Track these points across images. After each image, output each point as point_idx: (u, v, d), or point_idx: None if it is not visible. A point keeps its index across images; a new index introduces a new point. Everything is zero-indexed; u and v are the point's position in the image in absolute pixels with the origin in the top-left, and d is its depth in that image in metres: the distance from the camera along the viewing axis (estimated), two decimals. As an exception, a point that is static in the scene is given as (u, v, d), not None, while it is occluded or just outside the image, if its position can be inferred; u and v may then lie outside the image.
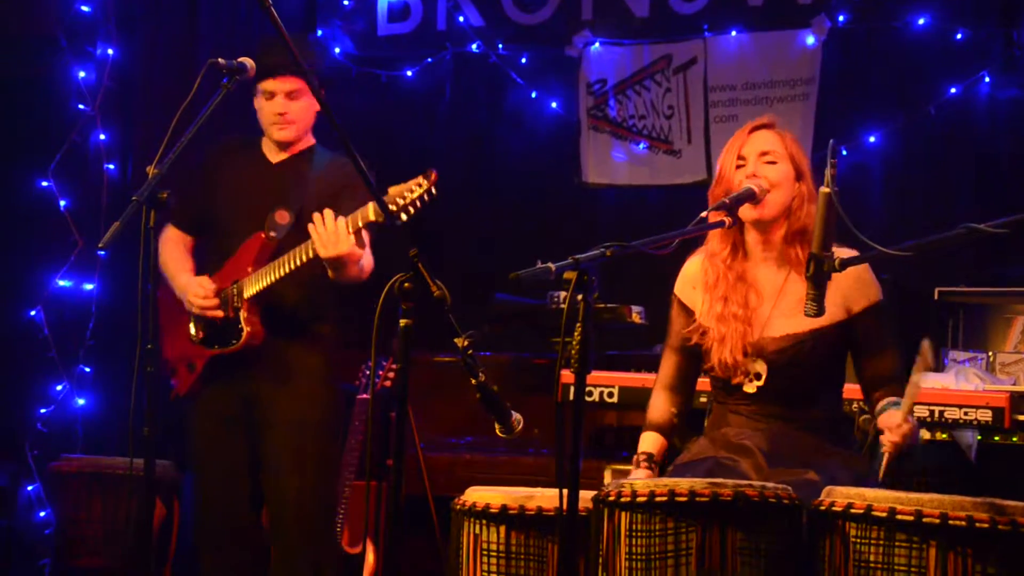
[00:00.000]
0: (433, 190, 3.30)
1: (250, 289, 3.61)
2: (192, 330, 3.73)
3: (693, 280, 3.03)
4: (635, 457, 2.98)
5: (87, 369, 5.36)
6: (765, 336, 2.89)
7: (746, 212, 2.90)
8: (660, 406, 3.05)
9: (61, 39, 5.40)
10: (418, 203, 3.30)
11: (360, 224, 3.41)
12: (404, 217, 3.29)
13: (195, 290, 3.65)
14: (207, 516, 3.76)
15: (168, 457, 4.38)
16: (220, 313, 3.63)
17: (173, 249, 3.82)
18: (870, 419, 2.94)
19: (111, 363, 5.33)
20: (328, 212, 3.42)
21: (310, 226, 3.44)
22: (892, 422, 2.71)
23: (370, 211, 3.38)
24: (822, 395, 2.94)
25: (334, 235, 3.40)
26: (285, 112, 3.74)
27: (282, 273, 3.55)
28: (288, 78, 3.71)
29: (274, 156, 3.82)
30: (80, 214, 5.38)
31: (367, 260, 3.64)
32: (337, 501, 3.90)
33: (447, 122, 5.83)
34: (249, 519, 3.77)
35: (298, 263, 3.52)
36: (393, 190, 3.32)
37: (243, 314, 3.62)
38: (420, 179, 3.31)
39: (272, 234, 3.65)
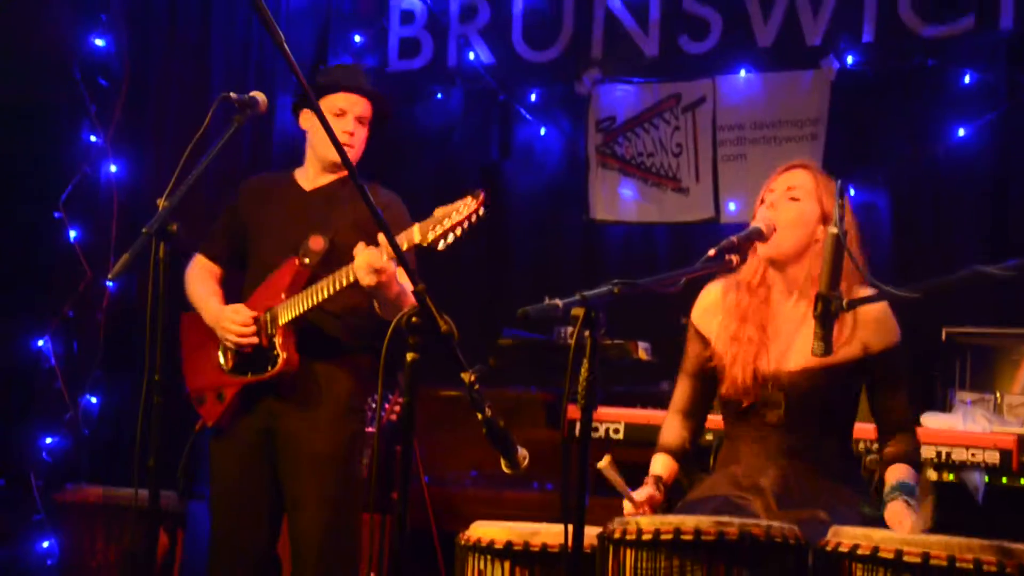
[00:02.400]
0: (481, 211, 3.24)
1: (285, 316, 3.56)
2: (221, 359, 3.69)
3: (711, 308, 3.03)
4: (645, 478, 2.97)
5: (94, 400, 5.36)
6: (783, 369, 2.89)
7: (761, 250, 2.92)
8: (673, 430, 3.04)
9: (75, 71, 5.45)
10: (466, 224, 3.25)
11: (404, 247, 3.29)
12: (451, 239, 3.26)
13: (231, 317, 3.61)
14: (224, 548, 3.69)
15: (176, 487, 4.37)
16: (256, 340, 3.60)
17: (202, 278, 3.77)
18: (876, 460, 2.94)
19: (118, 394, 5.33)
20: (380, 239, 3.33)
21: (355, 252, 3.36)
22: (900, 524, 2.70)
23: (415, 233, 3.31)
24: (836, 431, 2.93)
25: (372, 266, 3.32)
26: (354, 133, 3.67)
27: (319, 299, 3.50)
28: (363, 100, 3.66)
29: (309, 183, 3.76)
30: (90, 245, 5.40)
31: (408, 289, 3.53)
32: (360, 537, 3.83)
33: (456, 157, 5.86)
34: (266, 553, 3.73)
35: (336, 289, 3.46)
36: (439, 211, 3.29)
37: (278, 340, 3.57)
38: (468, 199, 3.25)
39: (306, 260, 3.60)
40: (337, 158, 3.61)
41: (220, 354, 3.69)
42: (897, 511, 2.74)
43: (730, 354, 2.91)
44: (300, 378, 3.62)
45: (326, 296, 3.48)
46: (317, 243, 3.62)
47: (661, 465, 3.00)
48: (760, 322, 2.93)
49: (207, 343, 3.72)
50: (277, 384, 3.62)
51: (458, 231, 3.26)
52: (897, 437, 2.89)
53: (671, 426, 3.05)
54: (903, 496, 2.76)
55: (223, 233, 3.81)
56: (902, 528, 2.68)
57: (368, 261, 3.32)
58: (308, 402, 3.63)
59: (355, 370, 3.71)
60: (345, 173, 3.71)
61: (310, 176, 3.78)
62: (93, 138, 5.47)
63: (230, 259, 3.83)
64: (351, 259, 3.48)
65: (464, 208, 3.25)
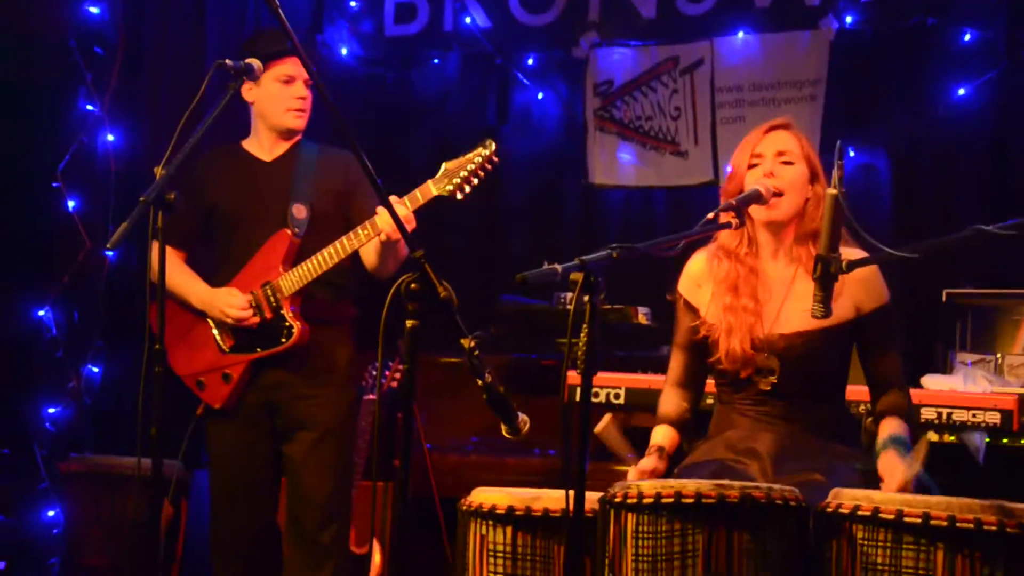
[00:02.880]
0: (495, 159, 3.27)
1: (290, 286, 3.57)
2: (219, 340, 3.68)
3: (698, 278, 3.02)
4: (647, 449, 2.98)
5: (95, 369, 5.36)
6: (775, 332, 2.89)
7: (759, 213, 2.90)
8: (671, 401, 3.04)
9: (70, 39, 5.41)
10: (480, 173, 3.27)
11: (421, 201, 3.33)
12: (467, 189, 3.28)
13: (226, 300, 3.61)
14: (226, 519, 3.73)
15: (178, 456, 4.38)
16: (256, 320, 3.60)
17: (172, 264, 3.67)
18: (876, 444, 2.95)
19: (120, 363, 5.34)
20: (393, 198, 3.34)
21: (379, 211, 3.36)
22: (892, 477, 2.70)
23: (430, 188, 3.31)
24: (831, 394, 2.94)
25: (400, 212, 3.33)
26: (305, 97, 3.66)
27: (330, 265, 3.51)
28: (297, 61, 3.62)
29: (266, 153, 3.74)
30: (88, 215, 5.39)
31: (403, 248, 3.54)
32: (351, 504, 3.89)
33: (453, 123, 5.83)
34: (269, 523, 3.76)
35: (350, 250, 3.49)
36: (450, 165, 3.31)
37: (287, 312, 3.59)
38: (480, 150, 3.28)
39: (296, 230, 3.61)
40: (294, 124, 3.65)
41: (216, 335, 3.68)
42: (889, 462, 2.74)
43: (725, 325, 2.91)
44: (304, 349, 3.63)
45: (338, 260, 3.49)
46: (300, 212, 3.63)
47: (663, 435, 3.00)
48: (752, 290, 2.92)
49: (196, 327, 3.71)
50: (283, 357, 3.62)
51: (474, 180, 3.29)
52: (888, 393, 2.90)
53: (669, 398, 3.05)
54: (894, 447, 2.77)
55: (184, 215, 3.70)
56: (894, 479, 2.69)
57: (387, 220, 3.33)
58: (310, 372, 3.66)
59: (349, 336, 3.74)
60: (296, 140, 3.73)
61: (265, 146, 3.75)
62: (90, 107, 5.44)
63: (191, 242, 3.79)
64: (331, 226, 3.51)
65: (477, 158, 3.27)
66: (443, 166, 3.33)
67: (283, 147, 3.75)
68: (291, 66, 3.62)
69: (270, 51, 3.56)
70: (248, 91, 3.69)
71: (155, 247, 3.73)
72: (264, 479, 3.73)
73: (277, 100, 3.67)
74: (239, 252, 3.68)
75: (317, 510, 3.65)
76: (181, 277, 3.73)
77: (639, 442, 3.06)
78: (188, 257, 3.81)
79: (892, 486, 2.69)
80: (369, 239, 3.46)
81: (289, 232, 3.61)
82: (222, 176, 3.75)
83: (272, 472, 3.74)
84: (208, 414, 3.72)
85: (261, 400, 3.68)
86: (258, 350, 3.64)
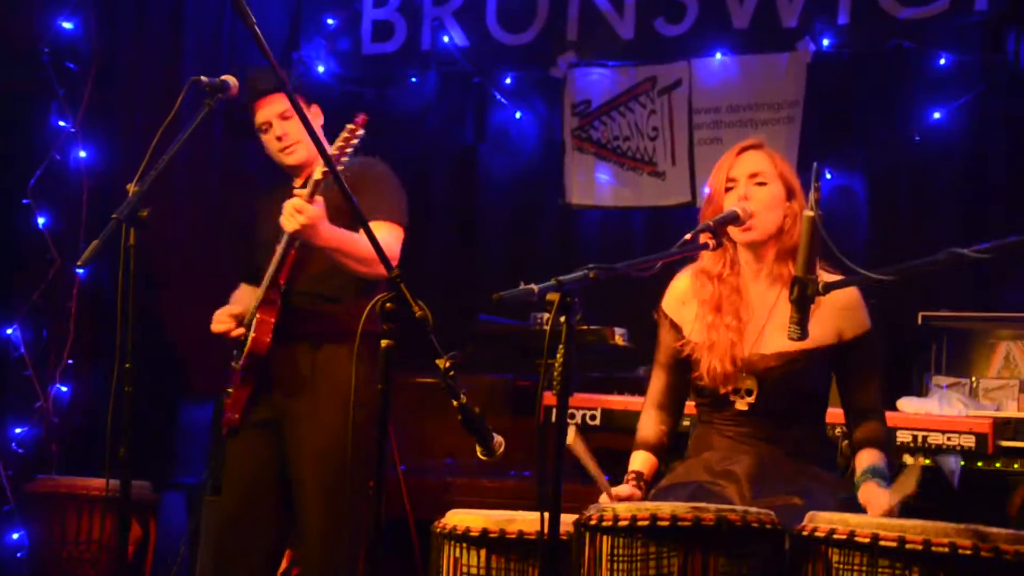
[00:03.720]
0: (360, 132, 3.32)
1: (257, 299, 3.55)
2: (236, 356, 3.65)
3: (682, 296, 3.03)
4: (625, 476, 2.98)
5: (64, 388, 5.33)
6: (756, 352, 2.90)
7: (736, 235, 2.91)
8: (650, 424, 3.04)
9: (42, 53, 5.40)
10: (350, 149, 3.32)
11: (317, 178, 3.33)
12: (344, 159, 3.30)
13: (215, 315, 3.61)
14: (226, 550, 3.55)
15: (149, 477, 4.35)
16: (240, 332, 3.55)
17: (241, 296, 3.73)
18: (851, 445, 2.96)
19: (89, 383, 5.30)
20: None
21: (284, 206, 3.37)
22: (875, 504, 2.71)
23: (316, 171, 3.32)
24: (810, 417, 2.95)
25: (288, 208, 3.32)
26: (284, 134, 3.65)
27: (273, 272, 3.50)
28: (273, 97, 3.62)
29: (297, 182, 3.72)
30: (59, 232, 5.36)
31: (365, 246, 3.19)
32: (360, 537, 3.75)
33: (431, 142, 5.84)
34: (275, 547, 3.64)
35: (279, 257, 3.48)
36: (332, 148, 3.32)
37: (253, 323, 3.53)
38: (349, 126, 3.33)
39: (297, 242, 3.57)
40: (288, 161, 3.71)
41: (236, 352, 3.65)
42: (871, 492, 2.76)
43: (707, 343, 2.92)
44: (301, 367, 3.56)
45: (274, 269, 3.47)
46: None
47: (640, 462, 3.00)
48: (735, 309, 2.93)
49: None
50: (280, 374, 3.57)
51: (348, 150, 3.32)
52: (866, 423, 2.90)
53: (648, 421, 3.05)
54: (874, 479, 2.78)
55: (245, 254, 3.77)
56: (878, 507, 2.70)
57: (290, 203, 3.31)
58: (312, 393, 3.56)
59: (356, 353, 3.62)
60: (312, 168, 3.67)
61: (296, 181, 3.75)
62: (62, 123, 5.42)
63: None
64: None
65: (346, 134, 3.31)
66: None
67: (305, 175, 3.72)
68: (261, 112, 3.64)
69: (244, 100, 3.60)
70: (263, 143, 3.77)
71: (240, 290, 3.73)
72: (267, 509, 3.57)
73: (269, 148, 3.71)
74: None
75: (314, 546, 3.51)
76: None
77: (615, 466, 3.06)
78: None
79: (875, 515, 2.69)
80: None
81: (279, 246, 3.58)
82: (268, 209, 3.68)
83: (276, 504, 3.58)
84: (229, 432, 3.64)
85: (264, 418, 3.59)
86: (232, 364, 3.61)
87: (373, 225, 3.14)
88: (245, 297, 3.73)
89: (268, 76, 3.61)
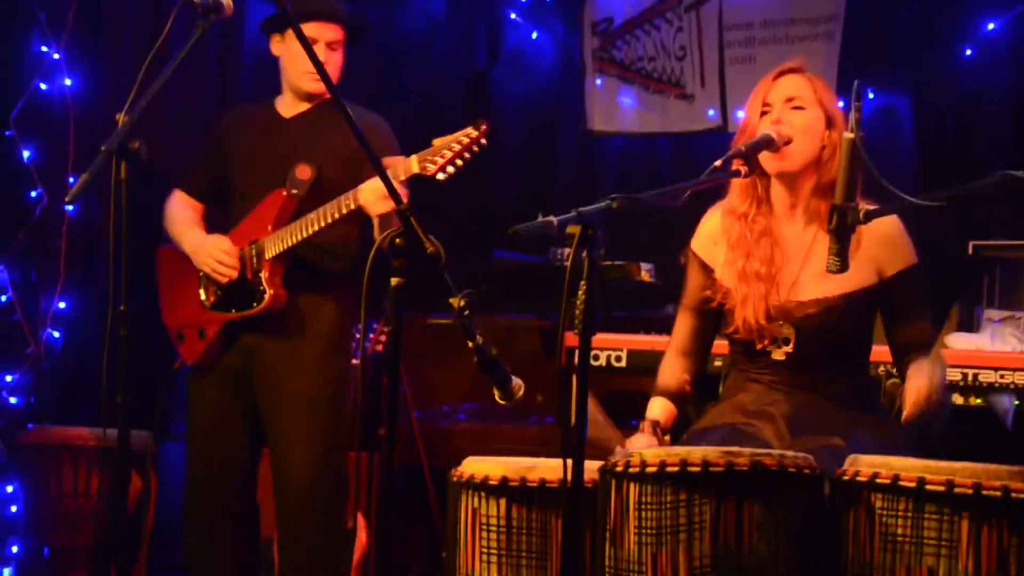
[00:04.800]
0: (483, 141, 3.31)
1: (273, 249, 3.62)
2: (203, 295, 3.74)
3: (713, 235, 3.02)
4: (641, 423, 2.99)
5: (56, 333, 5.37)
6: (792, 299, 2.89)
7: (769, 163, 2.89)
8: (672, 371, 3.05)
9: (19, -28, 5.37)
10: (467, 155, 3.31)
11: (402, 178, 3.36)
12: (451, 170, 3.31)
13: (210, 248, 3.66)
14: (199, 488, 3.78)
15: (150, 426, 4.39)
16: (235, 274, 3.63)
17: (182, 210, 3.84)
18: (898, 384, 2.95)
19: (82, 326, 5.34)
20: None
21: (362, 186, 3.40)
22: (918, 392, 2.70)
23: (412, 164, 3.35)
24: (850, 364, 2.94)
25: (381, 193, 3.33)
26: (325, 62, 3.66)
27: (312, 231, 3.54)
28: (333, 26, 3.70)
29: (288, 111, 3.82)
30: (45, 165, 5.36)
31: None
32: (347, 479, 3.90)
33: (441, 65, 5.81)
34: (245, 498, 3.79)
35: (329, 220, 3.51)
36: (438, 142, 3.34)
37: (264, 275, 3.63)
38: (469, 130, 3.32)
39: (294, 191, 3.65)
40: (310, 87, 3.75)
41: (201, 290, 3.74)
42: (910, 382, 2.71)
43: (739, 293, 2.91)
44: (283, 314, 3.65)
45: (318, 228, 3.53)
46: (304, 172, 3.66)
47: (659, 409, 3.01)
48: (766, 255, 2.91)
49: (187, 278, 3.76)
50: (260, 321, 3.64)
51: (459, 162, 3.32)
52: (914, 355, 2.88)
53: (669, 367, 3.06)
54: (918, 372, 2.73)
55: (203, 166, 3.86)
56: (916, 387, 2.66)
57: (377, 187, 3.34)
58: (291, 339, 3.69)
59: (339, 304, 3.75)
60: (324, 98, 3.77)
61: (288, 104, 3.84)
62: (44, 48, 5.40)
63: (212, 194, 3.88)
64: (338, 189, 3.53)
65: (465, 138, 3.31)
66: (432, 143, 3.35)
67: (305, 106, 3.82)
68: (316, 27, 3.68)
69: (300, 9, 3.61)
70: (275, 45, 3.80)
71: (173, 194, 3.81)
72: (241, 449, 3.75)
73: (296, 62, 3.74)
74: (239, 209, 3.74)
75: (299, 488, 3.66)
76: (183, 224, 3.82)
77: (642, 409, 3.07)
78: (206, 212, 3.88)
79: (916, 408, 2.66)
80: (345, 212, 3.47)
81: (285, 192, 3.64)
82: (243, 130, 3.83)
83: (250, 444, 3.77)
84: (187, 370, 3.76)
85: (238, 364, 3.72)
86: (232, 310, 3.68)
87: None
88: (186, 211, 3.80)
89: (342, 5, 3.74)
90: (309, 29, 3.67)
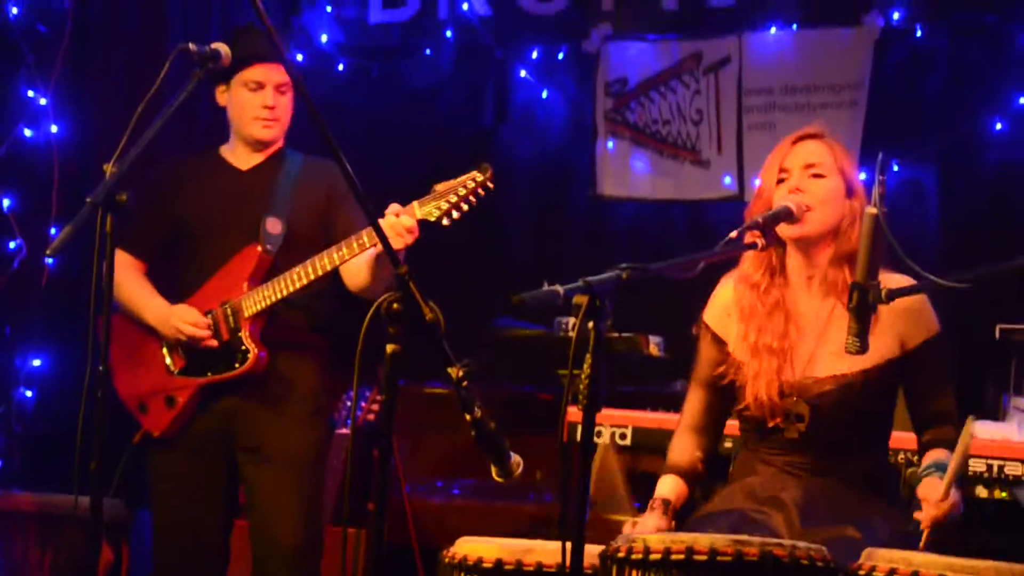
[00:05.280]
0: (490, 184, 3.34)
1: (252, 307, 3.62)
2: (168, 360, 3.72)
3: (727, 306, 3.03)
4: (650, 502, 2.98)
5: (29, 393, 5.36)
6: (808, 376, 2.89)
7: (786, 231, 2.91)
8: (684, 449, 3.05)
9: (9, 15, 5.42)
10: (472, 199, 3.33)
11: (408, 223, 3.36)
12: (456, 215, 3.33)
13: (181, 316, 3.65)
14: (170, 567, 3.75)
15: (119, 495, 4.38)
16: (213, 343, 3.64)
17: (129, 275, 3.76)
18: (916, 472, 2.94)
19: (58, 386, 5.34)
20: (395, 206, 3.38)
21: (386, 216, 3.38)
22: (933, 495, 2.71)
23: (415, 209, 3.36)
24: (868, 445, 2.94)
25: (402, 228, 3.33)
26: (274, 106, 3.72)
27: (299, 285, 3.55)
28: (277, 67, 3.69)
29: (243, 162, 3.81)
30: (26, 215, 5.39)
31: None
32: (322, 550, 3.90)
33: (446, 123, 5.85)
34: (219, 572, 3.77)
35: (320, 273, 3.52)
36: (440, 187, 3.36)
37: (244, 334, 3.63)
38: (475, 173, 3.35)
39: (268, 247, 3.66)
40: (262, 135, 3.76)
41: (166, 355, 3.72)
42: (928, 484, 2.73)
43: (751, 369, 2.92)
44: (264, 374, 3.66)
45: (305, 282, 3.53)
46: (275, 227, 3.68)
47: (669, 487, 3.00)
48: (779, 328, 2.92)
49: (146, 345, 3.75)
50: (239, 382, 3.65)
51: (464, 206, 3.35)
52: (939, 428, 2.89)
53: (681, 445, 3.06)
54: (936, 473, 2.75)
55: (148, 225, 3.79)
56: (934, 495, 2.68)
57: (394, 223, 3.33)
58: (274, 399, 3.69)
59: (321, 363, 3.76)
60: (275, 149, 3.80)
61: (240, 155, 3.83)
62: (31, 93, 5.45)
63: (157, 253, 3.85)
64: (309, 243, 3.57)
65: (470, 182, 3.34)
66: (433, 188, 3.38)
67: (260, 157, 3.82)
68: (262, 71, 3.69)
69: (243, 54, 3.61)
70: (221, 95, 3.79)
71: (115, 255, 3.80)
72: (212, 523, 3.74)
73: (245, 108, 3.74)
74: (203, 267, 3.72)
75: (283, 555, 3.65)
76: (137, 289, 3.78)
77: (646, 491, 3.06)
78: (149, 271, 3.85)
79: (935, 511, 2.67)
80: (358, 253, 3.48)
81: (259, 248, 3.65)
82: (193, 184, 3.81)
83: (222, 513, 3.76)
84: (148, 443, 3.74)
85: (213, 428, 3.70)
86: (209, 374, 3.67)
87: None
88: (133, 275, 3.77)
89: (270, 43, 3.67)
90: (255, 73, 3.68)
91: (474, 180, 3.34)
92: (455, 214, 3.34)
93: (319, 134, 2.50)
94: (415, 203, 3.38)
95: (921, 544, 2.70)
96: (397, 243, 3.33)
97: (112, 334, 3.79)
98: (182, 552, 3.73)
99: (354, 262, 3.55)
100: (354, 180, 2.55)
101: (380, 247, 3.38)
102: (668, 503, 2.96)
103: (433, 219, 3.36)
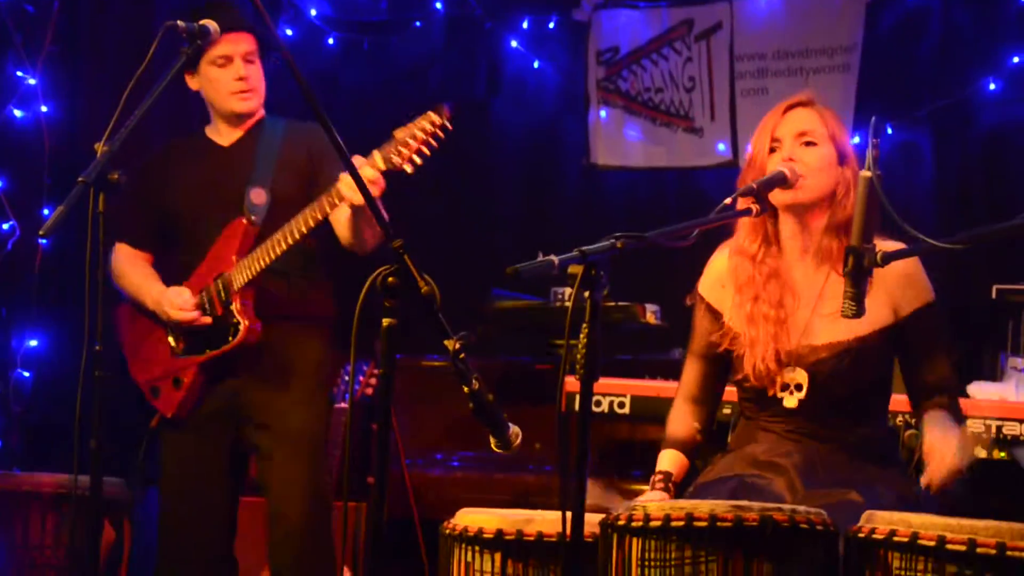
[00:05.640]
0: (448, 126, 3.31)
1: (241, 278, 3.62)
2: (172, 342, 3.74)
3: (721, 277, 3.03)
4: (652, 477, 2.99)
5: (26, 374, 5.37)
6: (804, 344, 2.90)
7: (779, 196, 2.90)
8: (682, 420, 3.05)
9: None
10: (433, 142, 3.32)
11: (371, 173, 3.33)
12: (418, 161, 3.31)
13: (171, 300, 3.67)
14: (175, 545, 3.77)
15: (124, 473, 4.38)
16: (207, 320, 3.65)
17: (132, 264, 3.82)
18: (916, 434, 2.95)
19: (54, 367, 5.34)
20: (358, 159, 3.31)
21: (342, 176, 3.38)
22: (943, 460, 2.71)
23: (377, 160, 3.34)
24: (867, 411, 2.94)
25: (367, 174, 3.28)
26: (247, 76, 3.70)
27: (281, 250, 3.54)
28: (244, 35, 3.67)
29: (225, 139, 3.81)
30: (17, 196, 5.38)
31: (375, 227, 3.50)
32: (331, 523, 3.90)
33: (437, 95, 5.83)
34: (223, 553, 3.78)
35: (298, 235, 3.52)
36: (399, 133, 3.34)
37: (235, 307, 3.63)
38: (430, 114, 3.33)
39: (253, 218, 3.66)
40: (239, 107, 3.73)
41: (170, 338, 3.75)
42: (936, 438, 2.73)
43: (748, 338, 2.92)
44: (263, 349, 3.66)
45: (287, 246, 3.53)
46: (259, 196, 3.67)
47: (669, 461, 3.01)
48: (775, 297, 2.92)
49: (153, 330, 3.78)
50: (239, 357, 3.65)
51: (425, 150, 3.32)
52: (936, 398, 2.89)
53: (679, 416, 3.06)
54: (941, 425, 2.75)
55: (143, 213, 3.82)
56: (947, 442, 2.68)
57: (364, 173, 3.31)
58: (277, 373, 3.70)
59: (321, 336, 3.76)
60: (255, 120, 3.79)
61: (222, 132, 3.83)
62: (20, 73, 5.43)
63: (158, 240, 3.87)
64: (292, 207, 3.56)
65: (428, 124, 3.31)
66: (392, 135, 3.36)
67: (240, 131, 3.81)
68: (226, 44, 3.64)
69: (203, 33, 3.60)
70: (192, 80, 3.77)
71: (117, 249, 3.81)
72: (218, 500, 3.76)
73: (218, 85, 3.72)
74: (198, 247, 3.73)
75: (292, 535, 3.65)
76: (139, 278, 3.80)
77: (644, 459, 3.07)
78: (156, 260, 3.87)
79: (941, 475, 2.68)
80: (331, 210, 3.47)
81: (244, 220, 3.64)
82: (180, 168, 3.82)
83: (229, 494, 3.78)
84: (163, 424, 3.75)
85: (218, 408, 3.72)
86: (207, 351, 3.67)
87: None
88: (137, 264, 3.80)
89: (239, 11, 3.68)
90: (220, 48, 3.65)
91: (431, 123, 3.31)
92: (417, 160, 3.32)
93: (305, 100, 2.50)
94: (376, 152, 3.35)
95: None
96: (359, 198, 3.27)
97: (124, 323, 3.85)
98: (186, 528, 3.75)
99: (338, 219, 3.54)
100: (335, 135, 2.54)
101: (351, 202, 3.39)
102: (669, 476, 2.97)
103: (396, 167, 3.32)
